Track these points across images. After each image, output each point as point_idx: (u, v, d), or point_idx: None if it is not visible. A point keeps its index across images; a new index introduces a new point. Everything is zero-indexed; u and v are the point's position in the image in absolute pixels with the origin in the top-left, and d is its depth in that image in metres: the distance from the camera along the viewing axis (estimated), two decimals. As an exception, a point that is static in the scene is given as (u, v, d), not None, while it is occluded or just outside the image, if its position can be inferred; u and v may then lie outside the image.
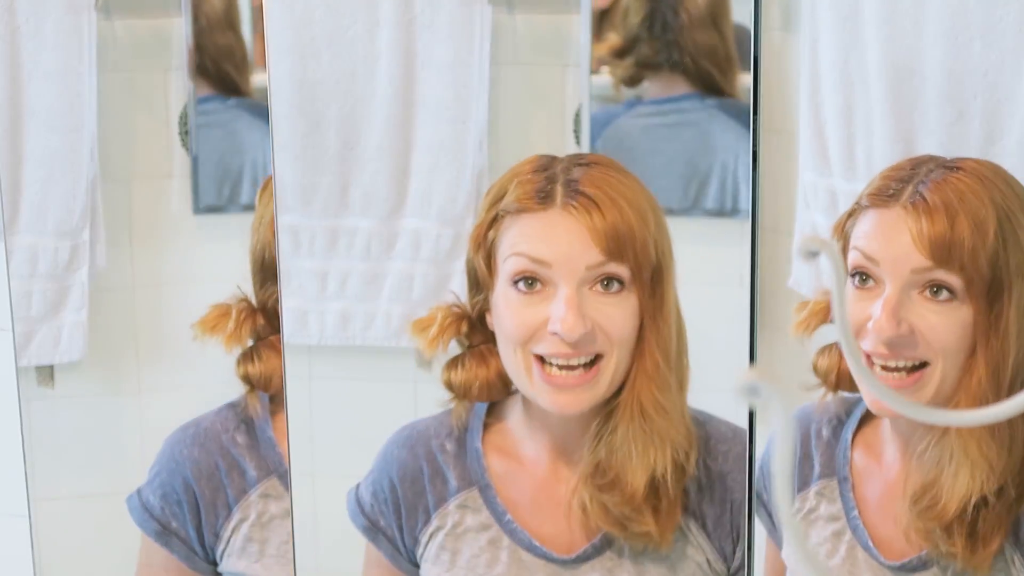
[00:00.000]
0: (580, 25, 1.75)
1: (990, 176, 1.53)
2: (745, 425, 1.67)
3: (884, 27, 1.64)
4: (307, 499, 1.77)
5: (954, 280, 1.50)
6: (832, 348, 1.64)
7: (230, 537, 1.77)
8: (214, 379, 1.81)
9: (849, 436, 1.63)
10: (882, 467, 1.63)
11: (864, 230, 1.56)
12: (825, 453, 1.63)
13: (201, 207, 1.85)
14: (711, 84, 1.73)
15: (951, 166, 1.55)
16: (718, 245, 1.76)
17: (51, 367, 1.86)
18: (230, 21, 1.83)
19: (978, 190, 1.51)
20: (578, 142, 1.77)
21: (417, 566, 1.68)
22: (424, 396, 1.73)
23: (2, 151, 1.80)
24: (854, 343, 1.48)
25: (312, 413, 1.77)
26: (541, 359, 1.57)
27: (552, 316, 1.55)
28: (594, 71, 1.76)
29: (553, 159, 1.60)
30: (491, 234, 1.59)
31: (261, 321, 1.77)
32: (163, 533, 1.78)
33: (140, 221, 1.86)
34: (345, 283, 1.80)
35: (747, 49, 1.72)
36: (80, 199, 1.82)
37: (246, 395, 1.78)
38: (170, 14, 1.82)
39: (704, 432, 1.64)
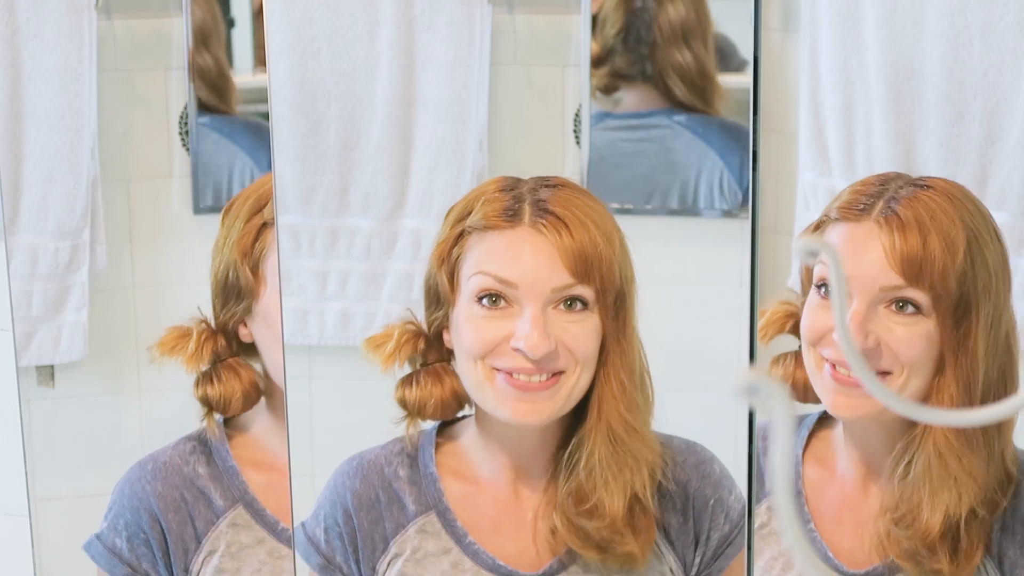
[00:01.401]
0: (580, 25, 1.75)
1: (959, 196, 1.54)
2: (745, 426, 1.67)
3: (884, 27, 1.64)
4: (307, 499, 1.76)
5: (922, 297, 1.51)
6: (787, 358, 1.64)
7: (199, 572, 1.75)
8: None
9: (800, 452, 1.64)
10: (836, 478, 1.63)
11: (834, 243, 1.55)
12: None
13: (201, 207, 1.86)
14: (682, 100, 1.74)
15: (920, 184, 1.55)
16: (718, 245, 1.76)
17: (51, 367, 1.86)
18: (215, 38, 1.82)
19: (948, 209, 1.52)
20: (578, 142, 1.77)
21: None
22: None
23: (2, 151, 1.80)
24: (854, 342, 1.48)
25: (312, 413, 1.77)
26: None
27: (516, 334, 1.54)
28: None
29: (518, 180, 1.59)
30: (456, 251, 1.58)
31: (222, 342, 1.76)
32: None
33: (140, 221, 1.86)
34: (345, 283, 1.80)
35: (731, 54, 1.73)
36: (80, 199, 1.83)
37: (204, 417, 1.77)
38: (170, 14, 1.82)
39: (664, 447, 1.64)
